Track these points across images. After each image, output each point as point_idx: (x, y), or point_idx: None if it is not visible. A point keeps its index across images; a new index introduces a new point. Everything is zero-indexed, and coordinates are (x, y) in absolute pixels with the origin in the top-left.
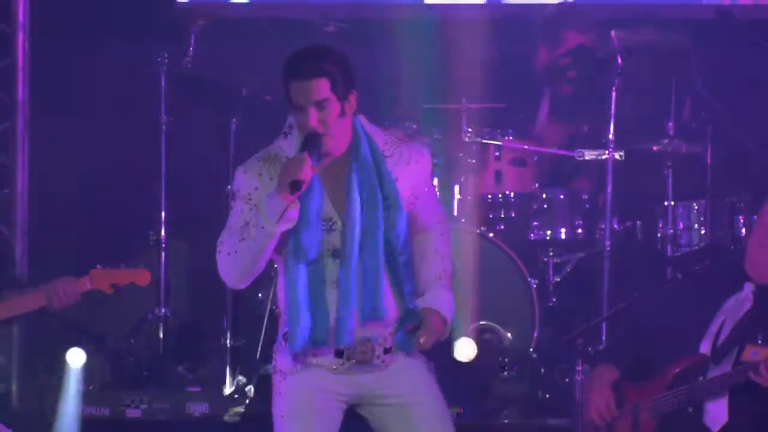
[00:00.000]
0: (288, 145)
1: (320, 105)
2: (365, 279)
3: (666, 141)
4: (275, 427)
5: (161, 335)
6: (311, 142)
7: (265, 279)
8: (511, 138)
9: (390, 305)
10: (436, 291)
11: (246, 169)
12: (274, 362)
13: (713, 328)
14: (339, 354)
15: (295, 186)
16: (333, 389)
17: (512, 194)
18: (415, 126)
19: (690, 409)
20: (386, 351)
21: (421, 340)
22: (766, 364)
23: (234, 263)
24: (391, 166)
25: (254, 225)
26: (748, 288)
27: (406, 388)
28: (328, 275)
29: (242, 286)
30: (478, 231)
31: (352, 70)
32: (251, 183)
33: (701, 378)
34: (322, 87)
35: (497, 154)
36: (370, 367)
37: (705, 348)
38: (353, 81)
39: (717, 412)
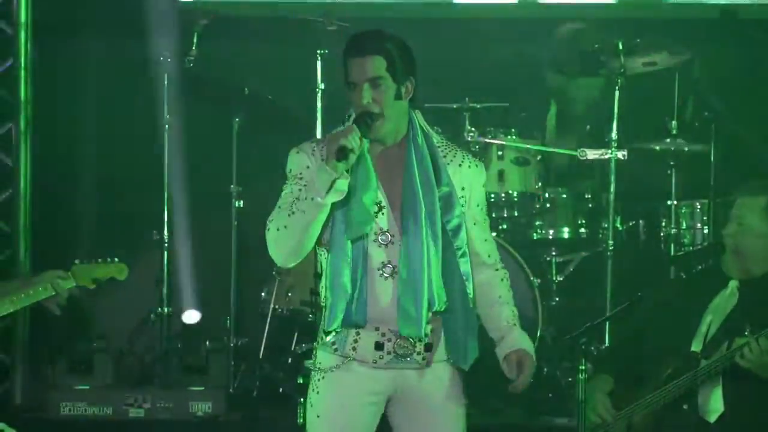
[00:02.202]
0: None
1: (374, 83)
2: (420, 266)
3: (669, 140)
4: (308, 425)
5: (164, 335)
6: (362, 118)
7: (269, 278)
8: (514, 137)
9: (439, 297)
10: (516, 333)
11: (299, 149)
12: (313, 360)
13: (702, 327)
14: (378, 346)
15: (341, 152)
16: (371, 387)
17: (515, 193)
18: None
19: (685, 406)
20: (427, 347)
21: (520, 383)
22: (750, 346)
23: (283, 239)
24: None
25: (304, 198)
26: (733, 285)
27: (440, 397)
28: (374, 260)
29: (291, 264)
30: None
31: (412, 57)
32: (303, 162)
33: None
34: (377, 64)
35: (500, 153)
36: (410, 363)
37: (696, 347)
38: (412, 67)
39: (713, 403)
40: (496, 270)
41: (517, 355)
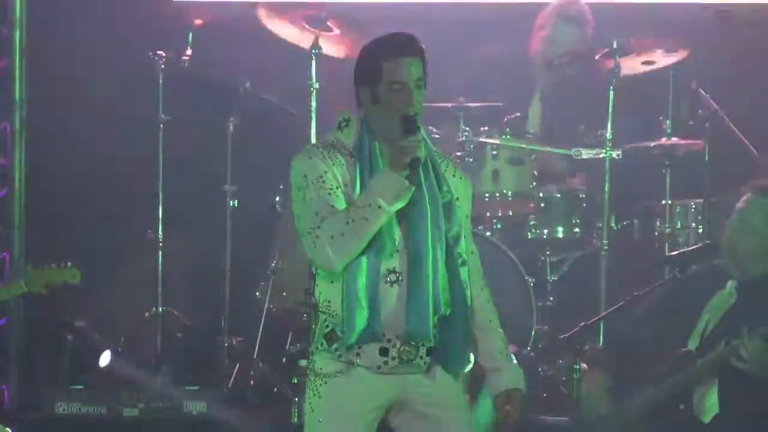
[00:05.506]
0: (345, 137)
1: (418, 83)
2: (425, 271)
3: (663, 140)
4: (309, 429)
5: (158, 334)
6: (411, 122)
7: (263, 278)
8: (508, 137)
9: (445, 302)
10: (511, 369)
11: (310, 155)
12: (311, 364)
13: (699, 326)
14: (383, 352)
15: (415, 164)
16: (375, 392)
17: (509, 193)
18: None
19: (681, 407)
20: (429, 352)
21: (510, 427)
22: (745, 346)
23: (341, 246)
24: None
25: (364, 205)
26: (731, 285)
27: (444, 399)
28: (383, 269)
29: (340, 269)
30: (475, 230)
31: None
32: (320, 167)
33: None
34: (421, 66)
35: (495, 152)
36: (414, 368)
37: (692, 345)
38: None
39: (708, 402)
40: (482, 290)
41: (509, 396)
